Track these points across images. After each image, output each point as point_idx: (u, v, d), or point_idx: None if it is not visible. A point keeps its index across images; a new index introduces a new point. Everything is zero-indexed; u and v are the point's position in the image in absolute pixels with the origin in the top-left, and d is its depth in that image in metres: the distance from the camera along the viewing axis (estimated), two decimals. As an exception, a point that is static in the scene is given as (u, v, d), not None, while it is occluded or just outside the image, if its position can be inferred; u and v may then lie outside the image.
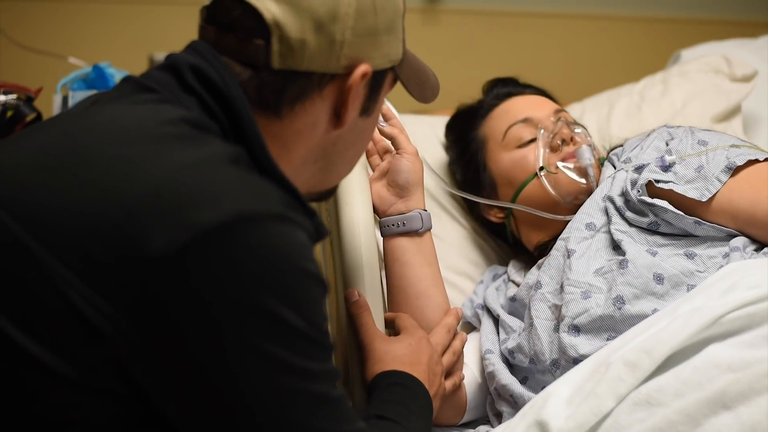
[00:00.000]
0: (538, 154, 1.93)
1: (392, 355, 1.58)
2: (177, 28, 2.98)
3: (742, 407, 1.34)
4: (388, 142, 1.81)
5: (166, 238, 1.09)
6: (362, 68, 1.29)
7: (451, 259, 2.11)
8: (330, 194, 1.47)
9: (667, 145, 1.85)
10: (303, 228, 1.18)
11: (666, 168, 1.78)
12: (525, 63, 3.06)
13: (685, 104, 2.42)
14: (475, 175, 2.05)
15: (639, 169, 1.81)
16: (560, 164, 1.92)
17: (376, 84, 1.35)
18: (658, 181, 1.76)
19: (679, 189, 1.74)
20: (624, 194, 1.80)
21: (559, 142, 1.94)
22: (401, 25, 1.36)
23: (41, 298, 1.11)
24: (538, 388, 1.71)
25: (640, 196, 1.76)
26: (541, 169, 1.92)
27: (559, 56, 3.12)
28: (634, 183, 1.79)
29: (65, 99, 2.27)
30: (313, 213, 1.25)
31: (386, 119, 1.81)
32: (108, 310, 1.10)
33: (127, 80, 1.30)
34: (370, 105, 1.36)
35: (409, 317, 1.68)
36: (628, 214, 1.78)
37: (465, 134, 2.11)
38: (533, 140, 1.96)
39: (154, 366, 1.12)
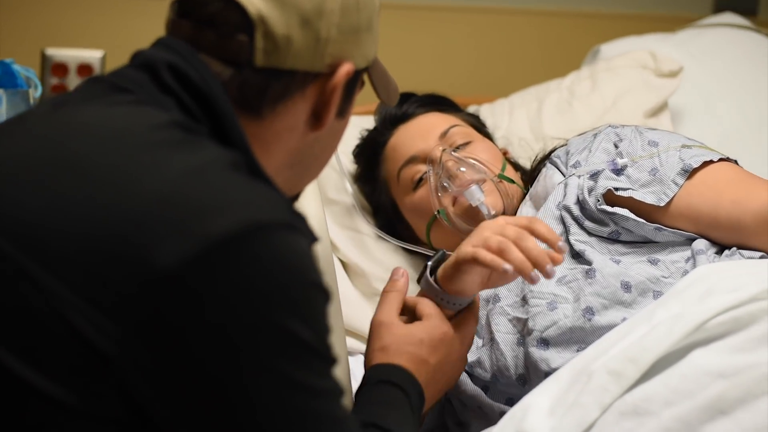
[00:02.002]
0: (431, 198, 1.94)
1: (397, 346, 1.50)
2: (71, 22, 2.90)
3: (741, 413, 1.33)
4: None
5: (174, 253, 1.05)
6: (346, 67, 1.26)
7: (391, 267, 2.06)
8: (294, 201, 1.43)
9: (617, 147, 1.84)
10: (306, 235, 1.16)
11: (618, 171, 1.78)
12: (441, 59, 3.08)
13: (616, 100, 2.45)
14: (391, 213, 2.09)
15: (594, 175, 1.79)
16: (451, 212, 1.92)
17: (352, 84, 1.31)
18: (617, 189, 1.75)
19: (638, 195, 1.74)
20: (580, 203, 1.78)
21: (446, 183, 1.92)
22: (377, 25, 1.33)
23: (41, 323, 1.07)
24: (501, 398, 1.69)
25: (599, 205, 1.75)
26: (438, 212, 1.94)
27: (475, 51, 3.13)
28: (590, 190, 1.78)
29: (-30, 96, 2.16)
30: (303, 217, 1.21)
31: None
32: (114, 332, 1.06)
33: (96, 80, 1.24)
34: (346, 106, 1.32)
35: (434, 305, 1.55)
36: (587, 223, 1.76)
37: (371, 173, 2.13)
38: (425, 176, 1.96)
39: (163, 386, 1.08)
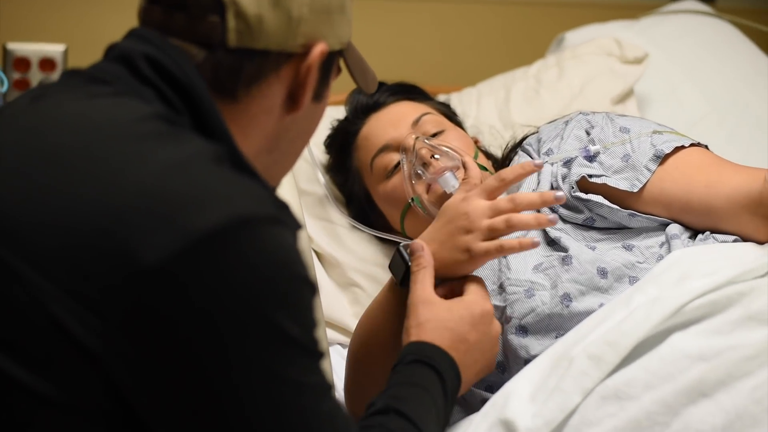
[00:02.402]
0: (406, 185, 1.95)
1: (436, 323, 1.47)
2: (33, 17, 2.88)
3: (723, 395, 1.36)
4: None
5: (158, 247, 1.05)
6: (320, 47, 1.25)
7: (369, 257, 2.16)
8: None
9: (588, 134, 1.85)
10: (290, 228, 1.16)
11: (591, 158, 1.79)
12: (405, 48, 3.08)
13: (583, 87, 2.47)
14: (364, 202, 2.10)
15: (567, 163, 1.80)
16: (425, 199, 1.93)
17: (327, 67, 1.30)
18: (591, 176, 1.76)
19: (612, 182, 1.75)
20: (554, 190, 1.78)
21: (420, 170, 1.93)
22: (350, 8, 1.33)
23: (25, 317, 1.07)
24: (481, 385, 1.69)
25: (574, 192, 1.76)
26: (413, 200, 1.94)
27: (440, 40, 3.14)
28: (564, 178, 1.79)
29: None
30: (287, 206, 1.21)
31: None
32: (99, 326, 1.05)
33: (74, 73, 1.23)
34: (322, 90, 1.31)
35: (477, 280, 1.55)
36: (562, 210, 1.77)
37: (342, 162, 2.14)
38: (399, 165, 1.97)
39: (148, 379, 1.08)
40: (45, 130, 1.15)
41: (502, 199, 1.53)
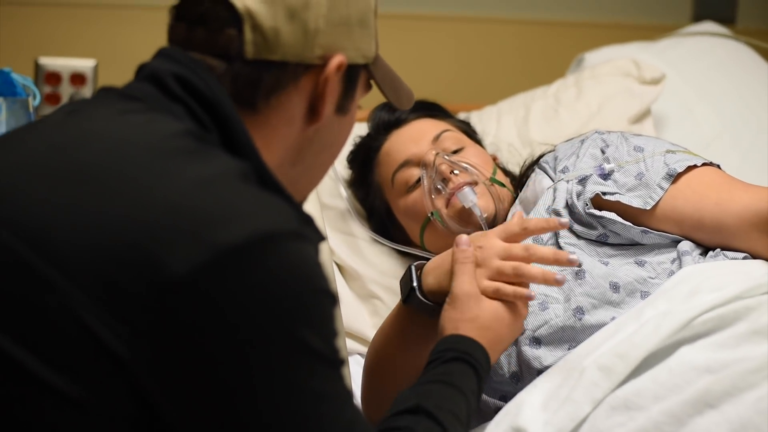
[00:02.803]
0: (426, 200, 1.99)
1: (484, 321, 1.49)
2: (65, 32, 2.92)
3: (728, 406, 1.38)
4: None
5: (184, 260, 1.08)
6: (338, 58, 1.28)
7: (389, 270, 2.20)
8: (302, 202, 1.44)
9: (603, 152, 1.88)
10: (313, 243, 1.18)
11: (605, 176, 1.82)
12: (428, 67, 3.11)
13: (601, 107, 2.50)
14: (385, 217, 2.14)
15: (582, 180, 1.83)
16: (444, 213, 1.97)
17: (351, 80, 1.33)
18: (605, 194, 1.79)
19: (625, 200, 1.78)
20: (569, 207, 1.82)
21: (439, 185, 1.97)
22: (373, 23, 1.36)
23: (56, 323, 1.09)
24: (495, 394, 1.73)
25: (588, 209, 1.79)
26: (432, 214, 1.99)
27: (462, 60, 3.16)
28: (579, 195, 1.82)
29: (-30, 104, 2.18)
30: (311, 220, 1.24)
31: None
32: (126, 334, 1.08)
33: (108, 90, 1.27)
34: (346, 103, 1.33)
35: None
36: (576, 227, 1.80)
37: (364, 177, 2.19)
38: (419, 180, 2.02)
39: (173, 387, 1.10)
40: (78, 145, 1.18)
41: (518, 246, 1.55)
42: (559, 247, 1.79)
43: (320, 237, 1.22)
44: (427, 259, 1.79)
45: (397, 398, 1.35)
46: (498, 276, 1.52)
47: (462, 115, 2.41)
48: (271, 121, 1.27)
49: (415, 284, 1.60)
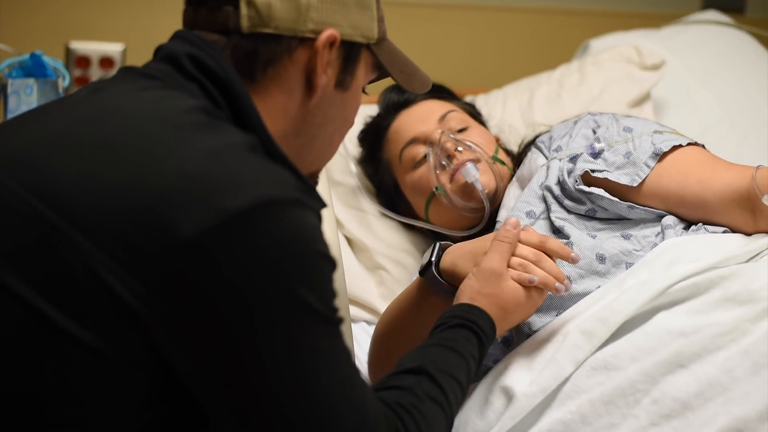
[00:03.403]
0: (431, 175, 2.09)
1: (503, 300, 1.54)
2: (94, 17, 2.99)
3: (697, 366, 1.44)
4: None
5: (194, 223, 1.15)
6: (328, 32, 1.35)
7: (395, 243, 2.28)
8: (314, 180, 1.50)
9: (595, 132, 1.95)
10: (314, 210, 1.25)
11: (596, 155, 1.89)
12: (440, 53, 3.14)
13: (602, 91, 2.56)
14: (392, 192, 2.24)
15: (573, 159, 1.91)
16: (448, 188, 2.07)
17: (350, 57, 1.40)
18: (593, 171, 1.86)
19: (613, 177, 1.84)
20: (561, 183, 1.89)
21: (444, 161, 2.07)
22: (375, 5, 1.42)
23: (78, 279, 1.17)
24: (488, 359, 1.76)
25: (577, 185, 1.85)
26: (437, 188, 2.08)
27: (471, 47, 3.20)
28: (570, 172, 1.89)
29: (3, 86, 2.26)
30: (314, 189, 1.32)
31: None
32: (141, 291, 1.16)
33: (128, 70, 1.36)
34: (345, 78, 1.40)
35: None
36: (567, 202, 1.87)
37: (374, 155, 2.28)
38: (426, 156, 2.11)
39: (182, 340, 1.18)
40: (100, 119, 1.26)
41: (534, 235, 1.60)
42: (551, 222, 1.86)
43: (321, 205, 1.30)
44: (442, 237, 1.89)
45: (403, 358, 1.40)
46: (519, 254, 1.57)
47: (468, 98, 2.48)
48: (271, 92, 1.35)
49: (433, 258, 1.67)
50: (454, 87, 2.37)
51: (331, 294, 1.24)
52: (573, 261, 1.60)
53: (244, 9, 1.32)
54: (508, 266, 1.57)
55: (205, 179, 1.18)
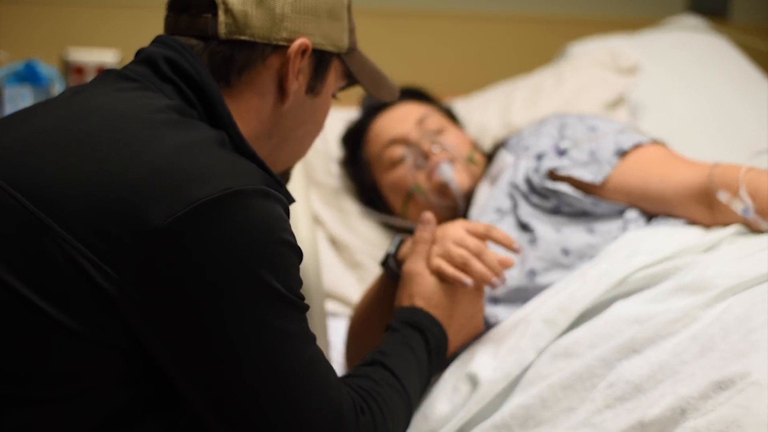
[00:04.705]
0: (408, 175, 2.16)
1: (424, 293, 1.60)
2: (90, 25, 3.02)
3: (650, 351, 1.48)
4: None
5: (163, 212, 1.21)
6: (301, 40, 1.41)
7: (375, 241, 2.35)
8: (285, 178, 1.57)
9: (561, 132, 2.01)
10: (280, 202, 1.30)
11: (562, 153, 1.94)
12: (423, 61, 3.17)
13: (578, 95, 2.60)
14: (372, 191, 2.30)
15: (539, 157, 1.96)
16: (425, 187, 2.14)
17: (321, 64, 1.46)
18: (558, 168, 1.91)
19: (577, 174, 1.89)
20: (528, 181, 1.94)
21: (420, 161, 2.14)
22: (346, 17, 1.49)
23: (58, 266, 1.22)
24: (460, 349, 1.82)
25: (543, 182, 1.91)
26: (414, 188, 2.15)
27: (452, 55, 3.22)
28: (536, 170, 1.94)
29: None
30: (282, 184, 1.37)
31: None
32: (115, 277, 1.22)
33: (108, 72, 1.42)
34: (316, 84, 1.46)
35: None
36: (533, 198, 1.92)
37: (355, 155, 2.35)
38: (404, 157, 2.18)
39: (155, 325, 1.23)
40: (80, 118, 1.31)
41: (480, 225, 1.66)
42: (518, 217, 1.91)
43: (289, 199, 1.36)
44: (413, 224, 1.94)
45: (362, 359, 1.49)
46: (447, 258, 1.63)
47: (448, 102, 2.54)
48: (244, 95, 1.41)
49: (392, 251, 1.74)
50: (438, 93, 2.42)
51: (295, 280, 1.29)
52: (516, 251, 1.66)
53: (222, 16, 1.39)
54: (453, 261, 1.62)
55: (175, 172, 1.24)
